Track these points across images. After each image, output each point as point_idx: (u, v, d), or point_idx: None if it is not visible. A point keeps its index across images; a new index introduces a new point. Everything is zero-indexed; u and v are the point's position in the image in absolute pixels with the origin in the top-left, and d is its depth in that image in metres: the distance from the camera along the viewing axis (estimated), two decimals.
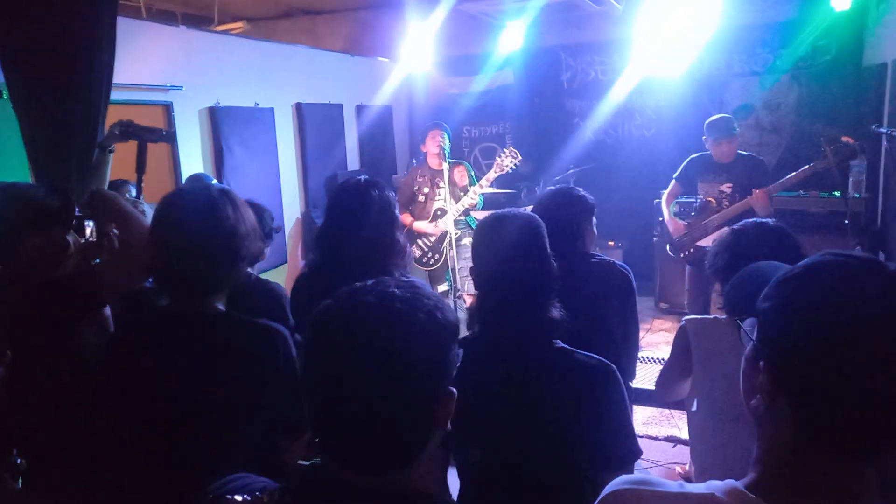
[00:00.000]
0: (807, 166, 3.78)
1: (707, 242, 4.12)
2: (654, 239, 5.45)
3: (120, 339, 1.63)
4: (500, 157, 4.40)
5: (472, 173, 4.59)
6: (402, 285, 0.91)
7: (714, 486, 0.79)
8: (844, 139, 3.50)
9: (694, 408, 1.91)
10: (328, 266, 2.12)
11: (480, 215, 5.31)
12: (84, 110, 3.07)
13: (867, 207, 4.64)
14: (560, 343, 1.48)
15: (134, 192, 3.40)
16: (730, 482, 0.79)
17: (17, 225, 1.68)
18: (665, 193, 4.44)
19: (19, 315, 1.51)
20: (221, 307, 1.54)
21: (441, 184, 4.42)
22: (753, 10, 5.70)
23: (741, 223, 1.92)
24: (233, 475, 0.93)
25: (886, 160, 4.56)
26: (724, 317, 1.87)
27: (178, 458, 1.43)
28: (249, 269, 2.45)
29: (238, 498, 0.86)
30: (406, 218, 4.44)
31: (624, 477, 0.86)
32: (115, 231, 2.01)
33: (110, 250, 1.96)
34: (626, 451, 1.44)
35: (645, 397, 2.48)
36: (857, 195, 4.68)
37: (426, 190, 4.56)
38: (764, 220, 1.90)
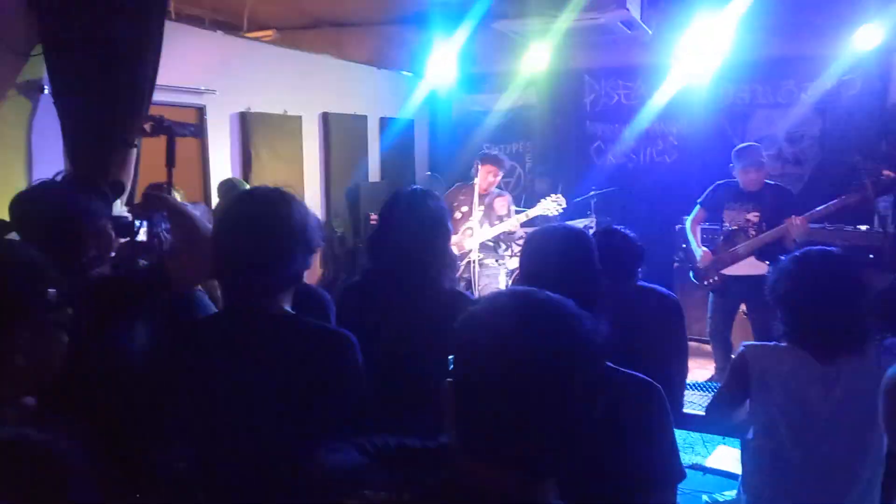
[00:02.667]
0: (843, 196, 3.77)
1: (733, 271, 4.12)
2: (675, 265, 5.44)
3: (186, 339, 1.60)
4: (545, 200, 4.71)
5: (513, 207, 4.81)
6: (557, 296, 0.89)
7: None
8: (886, 173, 3.50)
9: (750, 436, 1.88)
10: (380, 275, 2.10)
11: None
12: (126, 108, 3.08)
13: (892, 242, 4.63)
14: (607, 363, 1.45)
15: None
16: None
17: (79, 215, 1.68)
18: (690, 219, 4.44)
19: (88, 305, 1.50)
20: (288, 308, 1.52)
21: (480, 207, 4.62)
22: (780, 43, 5.74)
23: (804, 251, 1.88)
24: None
25: None
26: (783, 344, 1.85)
27: (240, 458, 1.42)
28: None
29: (367, 493, 0.86)
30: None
31: None
32: (168, 231, 2.01)
33: (161, 250, 1.95)
34: (670, 471, 1.41)
35: (697, 423, 2.44)
36: (880, 230, 4.68)
37: (465, 209, 4.73)
38: (828, 248, 1.86)
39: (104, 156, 3.00)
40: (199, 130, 2.66)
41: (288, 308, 1.52)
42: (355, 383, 1.47)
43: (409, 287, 2.01)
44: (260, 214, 1.45)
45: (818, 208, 3.80)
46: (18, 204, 1.71)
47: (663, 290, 2.24)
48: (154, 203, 1.87)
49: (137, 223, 2.00)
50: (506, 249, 4.92)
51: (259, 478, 1.42)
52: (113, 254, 1.86)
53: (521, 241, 5.85)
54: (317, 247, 1.53)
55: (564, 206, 4.67)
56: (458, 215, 4.72)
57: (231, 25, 6.81)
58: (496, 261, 4.80)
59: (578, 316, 0.85)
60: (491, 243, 4.75)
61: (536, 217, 4.72)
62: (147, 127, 2.51)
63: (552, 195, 4.72)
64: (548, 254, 1.48)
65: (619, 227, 2.42)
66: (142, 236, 2.04)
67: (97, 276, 1.71)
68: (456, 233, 4.65)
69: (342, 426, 1.49)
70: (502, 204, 4.73)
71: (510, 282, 5.12)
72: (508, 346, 0.81)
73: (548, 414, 0.80)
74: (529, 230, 5.78)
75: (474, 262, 4.55)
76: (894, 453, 1.83)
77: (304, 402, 1.41)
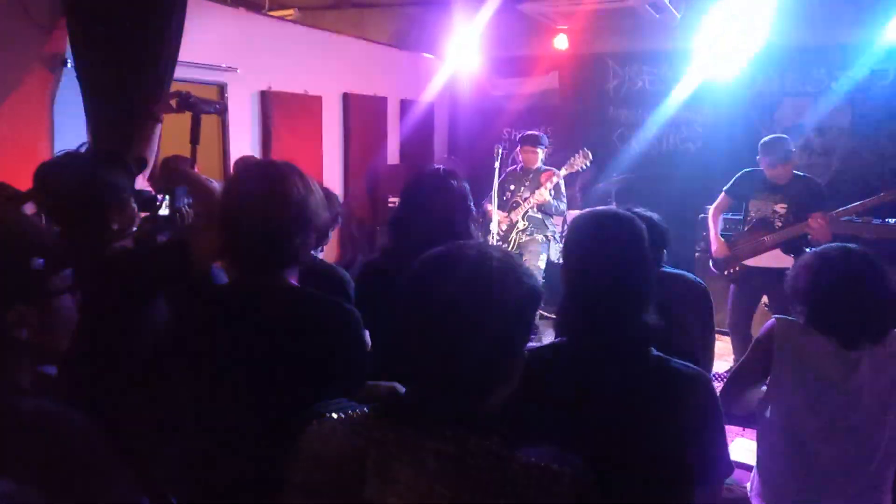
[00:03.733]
0: (878, 196, 3.67)
1: (755, 262, 4.04)
2: (696, 254, 5.36)
3: (192, 313, 1.60)
4: (573, 157, 4.75)
5: (562, 181, 4.81)
6: (500, 251, 1.04)
7: None
8: None
9: (767, 414, 1.87)
10: (400, 253, 2.08)
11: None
12: (150, 82, 3.08)
13: None
14: (655, 351, 1.41)
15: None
16: None
17: (103, 188, 1.67)
18: (713, 207, 4.34)
19: (110, 280, 1.49)
20: (294, 282, 1.51)
21: (527, 183, 4.75)
22: (811, 31, 5.59)
23: (824, 247, 1.89)
24: (331, 399, 1.07)
25: None
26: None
27: (248, 429, 1.40)
28: (313, 252, 2.43)
29: (334, 415, 0.99)
30: (488, 205, 4.76)
31: None
32: (190, 205, 2.00)
33: (184, 224, 1.94)
34: (720, 465, 1.37)
35: None
36: None
37: (512, 188, 4.85)
38: (849, 245, 1.86)
39: (126, 130, 2.99)
40: (224, 108, 2.63)
41: (294, 282, 1.50)
42: (359, 355, 1.46)
43: None
44: (258, 189, 1.43)
45: (850, 206, 3.70)
46: (42, 174, 1.70)
47: (691, 276, 2.19)
48: (177, 177, 1.85)
49: (159, 198, 1.99)
50: (553, 227, 4.96)
51: (263, 452, 1.40)
52: (134, 228, 1.85)
53: (557, 218, 5.85)
54: (321, 224, 1.50)
55: (591, 159, 4.74)
56: (506, 196, 4.85)
57: (253, 3, 6.79)
58: (543, 236, 4.84)
59: (491, 256, 1.00)
60: (539, 216, 4.80)
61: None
62: (173, 103, 2.50)
63: (582, 150, 4.78)
64: (600, 251, 1.41)
65: (640, 210, 2.37)
66: (163, 211, 2.03)
67: (119, 251, 1.70)
68: (507, 212, 4.81)
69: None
70: (548, 177, 4.77)
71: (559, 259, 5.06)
72: (415, 284, 1.00)
73: (463, 342, 0.94)
74: (573, 212, 5.80)
75: (519, 231, 4.72)
76: None
77: (309, 373, 1.40)
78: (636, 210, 2.32)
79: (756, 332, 4.23)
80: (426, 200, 2.01)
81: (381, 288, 2.11)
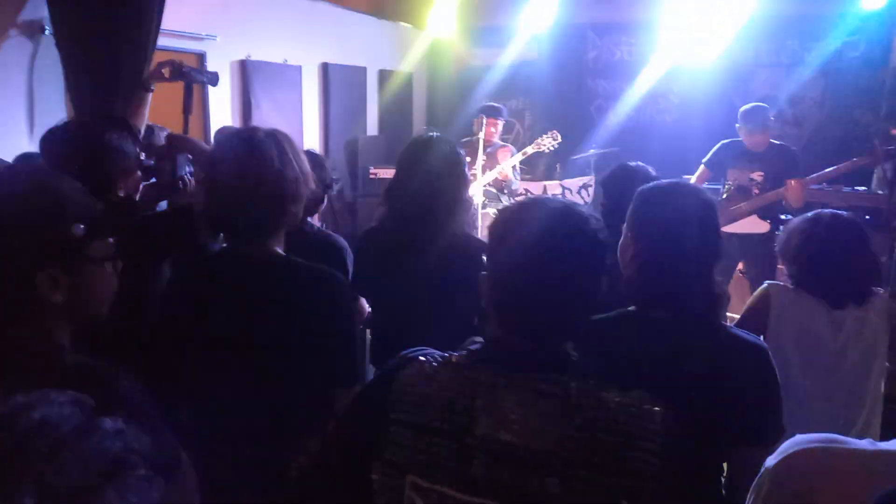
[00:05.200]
0: (849, 162, 3.79)
1: (733, 228, 4.15)
2: None
3: (177, 282, 1.59)
4: (541, 138, 4.62)
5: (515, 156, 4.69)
6: (573, 202, 1.14)
7: None
8: (895, 131, 3.52)
9: None
10: (399, 221, 2.10)
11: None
12: (132, 49, 3.01)
13: (891, 204, 4.69)
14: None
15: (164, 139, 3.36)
16: None
17: (110, 154, 1.66)
18: (693, 178, 4.43)
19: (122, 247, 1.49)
20: (280, 251, 1.52)
21: (483, 157, 4.54)
22: (785, 2, 5.68)
23: (816, 212, 1.97)
24: (417, 348, 1.11)
25: None
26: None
27: (233, 398, 1.41)
28: (310, 219, 2.44)
29: (432, 359, 1.06)
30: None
31: (809, 436, 0.87)
32: (192, 173, 1.99)
33: (186, 193, 1.94)
34: (776, 426, 1.42)
35: None
36: (879, 191, 4.73)
37: (468, 160, 4.61)
38: (839, 211, 1.95)
39: (111, 100, 2.94)
40: (215, 78, 2.60)
41: (279, 250, 1.51)
42: (344, 321, 1.47)
43: (426, 234, 2.02)
44: (234, 158, 1.43)
45: (825, 171, 3.82)
46: (49, 140, 1.68)
47: None
48: (180, 144, 1.84)
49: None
50: (509, 201, 4.90)
51: (259, 423, 1.42)
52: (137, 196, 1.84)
53: (518, 197, 5.89)
54: (299, 193, 1.49)
55: (559, 140, 4.63)
56: None
57: None
58: (496, 210, 4.78)
59: (586, 217, 1.07)
60: (494, 190, 4.71)
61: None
62: (165, 72, 2.46)
63: (551, 132, 4.67)
64: (672, 222, 1.40)
65: (636, 165, 2.40)
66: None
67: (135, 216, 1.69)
68: None
69: (331, 367, 1.49)
70: (505, 155, 4.68)
71: None
72: (529, 239, 1.03)
73: (559, 292, 1.02)
74: (530, 185, 5.83)
75: (476, 207, 4.51)
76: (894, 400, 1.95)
77: (292, 342, 1.41)
78: (633, 164, 2.38)
79: (732, 296, 4.40)
80: (421, 167, 2.03)
81: (379, 253, 2.15)
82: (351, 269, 2.25)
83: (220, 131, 4.11)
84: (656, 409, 0.99)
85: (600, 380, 1.03)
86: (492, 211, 4.64)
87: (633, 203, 1.50)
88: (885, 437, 1.86)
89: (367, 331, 2.53)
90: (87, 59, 2.98)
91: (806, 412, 1.87)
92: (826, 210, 1.96)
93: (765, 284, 2.04)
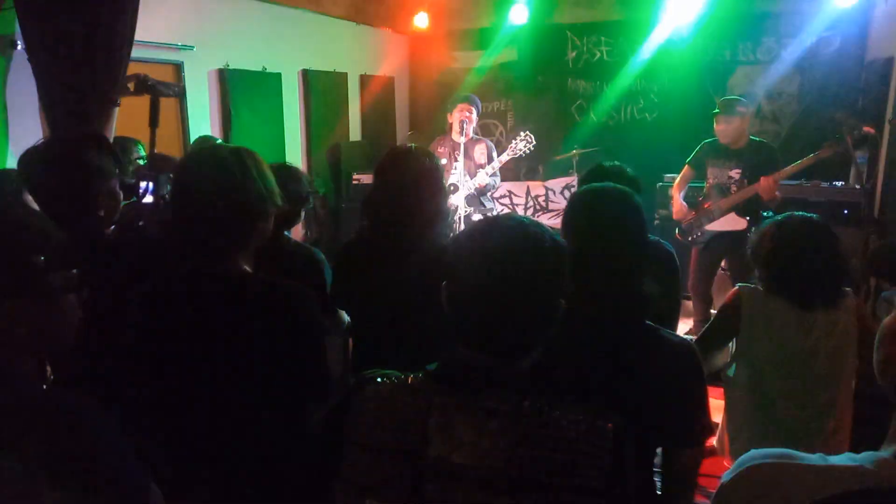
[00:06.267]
0: (814, 154, 3.84)
1: (714, 227, 4.20)
2: (655, 222, 5.51)
3: (144, 304, 1.55)
4: (515, 140, 4.49)
5: (494, 153, 4.57)
6: (529, 219, 1.12)
7: (857, 457, 0.81)
8: (867, 129, 3.56)
9: (732, 373, 2.00)
10: (377, 234, 2.10)
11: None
12: (106, 62, 2.99)
13: (867, 197, 4.74)
14: (648, 322, 1.46)
15: (142, 152, 3.34)
16: (874, 453, 0.82)
17: (92, 174, 1.65)
18: (677, 178, 4.48)
19: (99, 270, 1.49)
20: (247, 268, 1.51)
21: (458, 157, 4.39)
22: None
23: (786, 215, 2.00)
24: (377, 369, 1.11)
25: (888, 152, 4.66)
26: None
27: (202, 420, 1.41)
28: (287, 233, 2.44)
29: (389, 380, 1.07)
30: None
31: (763, 451, 0.89)
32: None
33: (167, 212, 1.93)
34: (703, 427, 1.44)
35: None
36: (857, 186, 4.78)
37: (444, 161, 4.52)
38: (809, 214, 1.98)
39: (83, 115, 2.92)
40: (182, 91, 2.60)
41: (246, 268, 1.50)
42: (309, 336, 1.47)
43: (405, 246, 2.03)
44: (197, 178, 1.44)
45: (790, 166, 3.88)
46: (28, 161, 1.66)
47: (658, 239, 2.27)
48: (162, 163, 1.83)
49: (143, 184, 1.96)
50: (490, 203, 4.80)
51: (228, 444, 1.41)
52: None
53: (502, 198, 5.88)
54: (262, 216, 1.49)
55: (534, 143, 4.52)
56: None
57: None
58: (483, 215, 4.60)
59: (542, 235, 1.07)
60: (476, 196, 4.59)
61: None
62: (130, 85, 2.45)
63: (521, 133, 4.53)
64: (599, 225, 1.45)
65: (612, 165, 2.40)
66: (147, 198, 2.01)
67: (107, 240, 1.68)
68: None
69: (301, 381, 1.49)
70: (481, 152, 4.54)
71: None
72: (485, 258, 1.04)
73: (515, 310, 1.03)
74: (512, 185, 5.83)
75: (461, 217, 4.42)
76: (865, 397, 1.98)
77: (266, 359, 1.41)
78: (609, 164, 2.39)
79: (715, 293, 4.45)
80: (398, 179, 2.04)
81: (358, 266, 2.15)
82: (329, 281, 2.26)
83: (199, 141, 4.11)
84: (609, 425, 1.00)
85: (555, 395, 1.04)
86: (477, 218, 4.63)
87: (566, 206, 1.57)
88: (855, 435, 1.90)
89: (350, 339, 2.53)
90: (60, 73, 2.95)
91: (778, 412, 1.90)
92: (796, 213, 1.99)
93: (736, 287, 2.06)
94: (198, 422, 1.42)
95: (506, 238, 1.06)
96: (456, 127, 4.46)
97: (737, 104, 4.09)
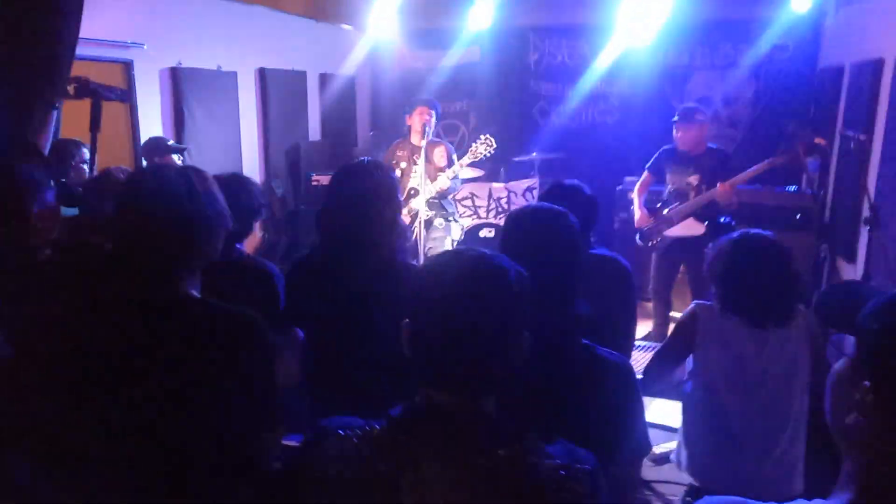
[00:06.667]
0: (766, 161, 3.93)
1: (673, 232, 4.25)
2: (615, 226, 5.56)
3: (81, 330, 1.44)
4: (475, 143, 4.45)
5: (454, 156, 4.52)
6: (491, 252, 1.10)
7: None
8: (818, 140, 3.65)
9: (688, 389, 2.02)
10: (330, 249, 2.05)
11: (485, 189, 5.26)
12: (47, 62, 2.84)
13: (819, 202, 4.87)
14: (584, 340, 1.47)
15: (87, 155, 3.20)
16: (822, 501, 0.81)
17: (27, 191, 1.55)
18: (637, 184, 4.52)
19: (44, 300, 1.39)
20: (194, 291, 1.44)
21: (418, 161, 4.33)
22: (720, 6, 5.83)
23: (740, 233, 2.02)
24: (335, 417, 1.06)
25: (838, 159, 4.79)
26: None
27: (148, 454, 1.33)
28: (238, 245, 2.35)
29: (349, 433, 1.01)
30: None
31: (717, 498, 0.87)
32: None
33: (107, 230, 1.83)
34: (639, 445, 1.47)
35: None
36: (809, 191, 4.89)
37: (403, 165, 4.48)
38: (764, 233, 2.00)
39: (24, 118, 2.77)
40: (126, 95, 2.50)
41: (193, 292, 1.44)
42: (260, 365, 1.41)
43: (359, 261, 1.99)
44: (140, 198, 1.38)
45: (745, 172, 3.96)
46: None
47: (616, 256, 2.27)
48: (108, 184, 1.74)
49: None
50: (452, 206, 4.74)
51: (171, 480, 1.34)
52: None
53: (464, 200, 5.84)
54: (210, 234, 1.44)
55: (494, 146, 4.44)
56: (398, 173, 4.45)
57: None
58: (444, 219, 4.59)
59: (505, 269, 1.05)
60: (437, 200, 4.52)
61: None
62: (71, 89, 2.34)
63: (481, 136, 4.46)
64: (531, 246, 1.45)
65: (572, 182, 2.39)
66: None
67: (50, 264, 1.58)
68: (401, 194, 4.42)
69: (253, 411, 1.43)
70: (441, 155, 4.47)
71: (457, 242, 5.08)
72: (447, 296, 1.02)
73: (480, 348, 1.00)
74: (474, 187, 5.80)
75: (421, 222, 4.34)
76: (819, 428, 2.02)
77: (212, 389, 1.35)
78: (568, 183, 2.38)
79: (675, 297, 4.51)
80: (352, 194, 1.99)
81: (313, 283, 2.09)
82: (283, 296, 2.19)
83: (149, 142, 3.96)
84: (585, 468, 1.00)
85: (524, 438, 1.01)
86: (438, 222, 4.59)
87: (504, 226, 1.59)
88: (810, 454, 1.93)
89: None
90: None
91: (731, 430, 1.91)
92: (750, 231, 2.00)
93: (692, 305, 2.08)
94: (142, 457, 1.34)
95: (468, 273, 1.03)
96: (416, 128, 4.41)
97: (696, 112, 4.15)
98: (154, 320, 1.37)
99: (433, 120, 4.39)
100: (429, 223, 4.41)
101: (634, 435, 1.46)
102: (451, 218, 4.62)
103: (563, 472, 0.96)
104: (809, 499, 1.76)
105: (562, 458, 1.00)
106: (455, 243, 4.84)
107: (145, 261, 1.37)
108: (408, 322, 1.07)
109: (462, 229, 4.97)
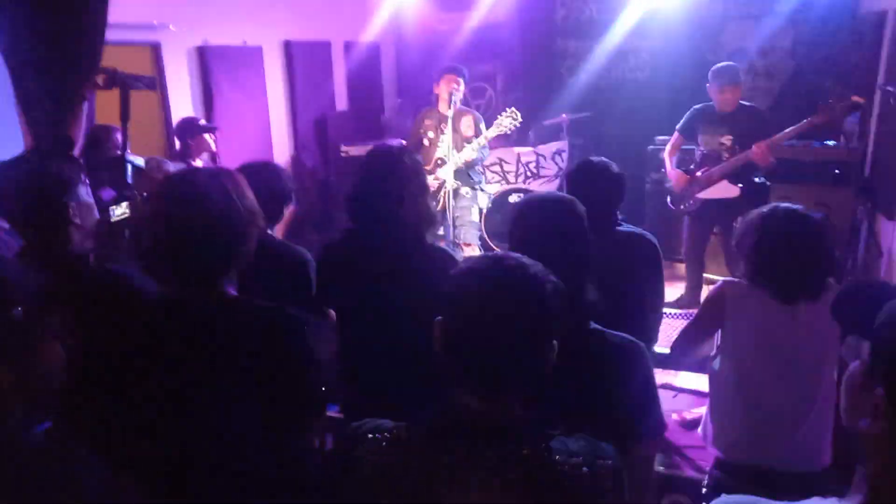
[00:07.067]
0: (805, 121, 3.80)
1: (707, 195, 4.18)
2: (647, 186, 5.48)
3: (123, 334, 1.51)
4: (500, 116, 4.39)
5: (482, 125, 4.47)
6: (531, 261, 1.11)
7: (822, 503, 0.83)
8: (855, 99, 3.52)
9: (716, 366, 2.03)
10: (360, 234, 2.09)
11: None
12: (77, 48, 2.89)
13: (858, 157, 4.71)
14: (593, 325, 1.49)
15: (120, 140, 3.28)
16: (836, 500, 0.83)
17: (62, 193, 1.62)
18: (668, 145, 4.44)
19: (84, 307, 1.47)
20: (231, 290, 1.49)
21: (445, 130, 4.30)
22: None
23: (772, 206, 1.98)
24: (367, 420, 1.11)
25: (880, 112, 4.61)
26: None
27: (190, 450, 1.40)
28: (270, 231, 2.42)
29: (379, 437, 1.06)
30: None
31: (733, 498, 0.90)
32: None
33: None
34: (654, 424, 1.50)
35: (663, 361, 2.55)
36: (849, 146, 4.74)
37: (431, 135, 4.46)
38: (795, 206, 1.97)
39: (63, 112, 2.84)
40: (153, 82, 2.54)
41: (231, 291, 1.49)
42: (301, 359, 1.46)
43: (390, 246, 2.02)
44: (176, 203, 1.42)
45: (782, 132, 3.84)
46: None
47: (642, 233, 2.27)
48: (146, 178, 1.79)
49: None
50: (481, 174, 4.74)
51: (221, 475, 1.41)
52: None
53: (492, 166, 5.81)
54: (245, 235, 1.47)
55: (520, 119, 4.40)
56: (426, 143, 4.46)
57: None
58: (471, 188, 4.59)
59: (541, 278, 1.07)
60: (464, 169, 4.50)
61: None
62: (100, 80, 2.39)
63: (506, 110, 4.42)
64: (539, 236, 1.47)
65: (599, 161, 2.38)
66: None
67: (92, 270, 1.66)
68: (428, 164, 4.37)
69: (303, 409, 1.51)
70: (468, 124, 4.44)
71: (485, 210, 5.07)
72: (484, 303, 1.03)
73: (511, 355, 1.03)
74: (503, 152, 5.76)
75: (448, 191, 4.33)
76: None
77: (255, 389, 1.40)
78: (596, 160, 2.37)
79: (709, 258, 4.47)
80: (379, 180, 2.02)
81: (343, 268, 2.15)
82: (314, 281, 2.25)
83: (181, 123, 4.03)
84: (606, 463, 1.03)
85: (549, 436, 1.05)
86: (464, 191, 4.59)
87: (511, 217, 1.59)
88: (837, 428, 1.93)
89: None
90: (34, 72, 2.86)
91: (759, 404, 1.92)
92: (781, 205, 1.97)
93: (720, 282, 2.07)
94: (189, 452, 1.42)
95: (506, 282, 1.05)
96: (444, 97, 4.37)
97: (739, 71, 4.05)
98: (194, 323, 1.42)
99: (461, 87, 4.34)
100: (456, 192, 4.42)
101: (649, 413, 1.48)
102: (477, 187, 4.61)
103: (586, 469, 1.00)
104: (836, 473, 1.77)
105: (584, 454, 1.03)
106: (482, 212, 4.85)
107: (183, 264, 1.42)
108: (441, 320, 1.08)
109: (489, 196, 4.96)
